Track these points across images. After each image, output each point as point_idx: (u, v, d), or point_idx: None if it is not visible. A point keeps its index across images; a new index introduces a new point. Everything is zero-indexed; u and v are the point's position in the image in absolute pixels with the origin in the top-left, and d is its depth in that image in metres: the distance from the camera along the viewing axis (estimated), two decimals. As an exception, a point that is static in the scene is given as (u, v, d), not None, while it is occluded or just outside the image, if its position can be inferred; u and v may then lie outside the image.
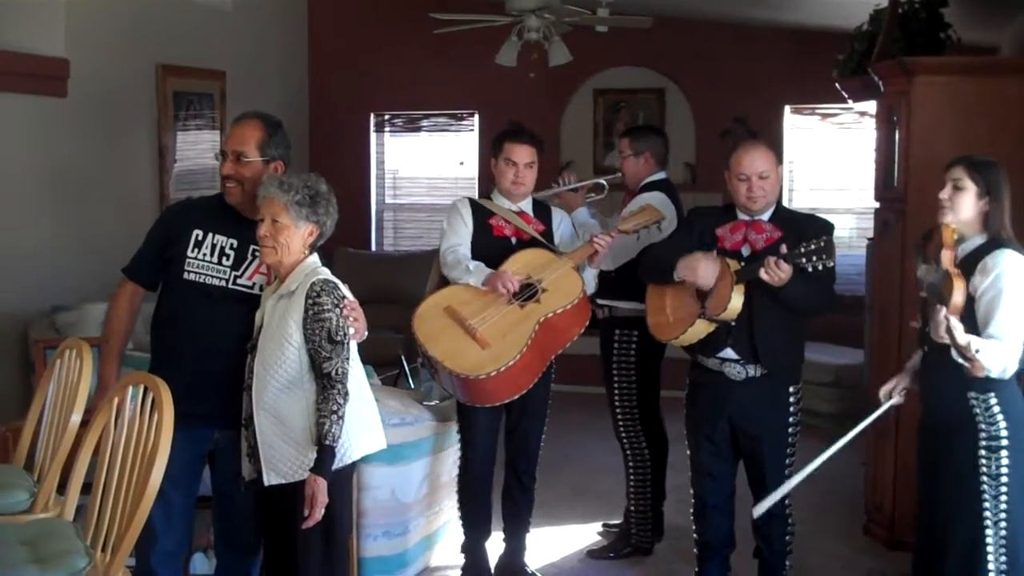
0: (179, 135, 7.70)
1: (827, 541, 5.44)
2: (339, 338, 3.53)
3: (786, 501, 4.47)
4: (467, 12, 7.19)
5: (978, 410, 3.62)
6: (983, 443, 3.62)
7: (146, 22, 7.33)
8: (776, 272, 3.99)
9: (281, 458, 3.58)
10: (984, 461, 3.61)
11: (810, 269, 3.98)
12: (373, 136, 9.74)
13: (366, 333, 3.77)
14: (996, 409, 3.61)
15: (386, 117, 9.73)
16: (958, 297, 3.50)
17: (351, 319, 3.62)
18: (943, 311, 3.47)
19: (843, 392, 7.62)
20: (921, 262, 3.80)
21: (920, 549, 3.92)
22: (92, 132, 6.88)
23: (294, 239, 3.61)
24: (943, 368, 3.62)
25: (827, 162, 8.75)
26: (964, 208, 3.67)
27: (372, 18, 9.50)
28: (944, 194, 3.70)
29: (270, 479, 3.60)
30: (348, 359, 3.56)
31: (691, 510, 4.63)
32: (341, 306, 3.57)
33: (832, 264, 3.99)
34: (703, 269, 4.21)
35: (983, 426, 3.62)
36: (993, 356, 3.49)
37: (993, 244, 3.65)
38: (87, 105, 6.76)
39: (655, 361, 5.26)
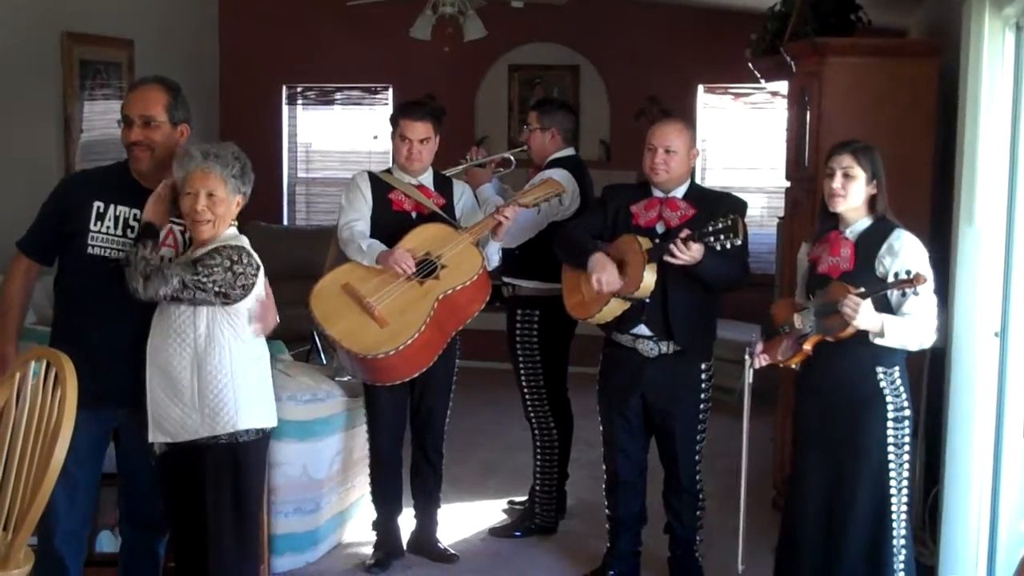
0: (86, 105, 7.53)
1: (737, 516, 5.49)
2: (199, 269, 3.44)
3: (697, 477, 4.53)
4: (381, -16, 7.11)
5: (884, 383, 3.71)
6: (891, 415, 3.71)
7: (51, -12, 7.13)
8: (683, 253, 4.01)
9: (166, 416, 3.54)
10: (892, 432, 3.72)
11: (718, 248, 4.01)
12: (285, 109, 9.61)
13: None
14: (899, 382, 3.74)
15: (299, 90, 9.60)
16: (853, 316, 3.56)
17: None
18: (849, 310, 3.54)
19: (753, 369, 7.70)
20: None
21: (790, 524, 3.98)
22: (-7, 101, 6.69)
23: (228, 212, 3.56)
24: (848, 345, 3.68)
25: (739, 141, 8.82)
26: (856, 195, 3.76)
27: (284, -12, 9.36)
28: (836, 183, 3.75)
29: (155, 436, 3.57)
30: (200, 282, 3.43)
31: (603, 486, 4.66)
32: (238, 268, 3.47)
33: (740, 242, 4.02)
34: (607, 278, 4.20)
35: (890, 399, 3.72)
36: (903, 331, 3.62)
37: (883, 224, 3.75)
38: (-12, 73, 6.57)
39: (562, 341, 5.19)
